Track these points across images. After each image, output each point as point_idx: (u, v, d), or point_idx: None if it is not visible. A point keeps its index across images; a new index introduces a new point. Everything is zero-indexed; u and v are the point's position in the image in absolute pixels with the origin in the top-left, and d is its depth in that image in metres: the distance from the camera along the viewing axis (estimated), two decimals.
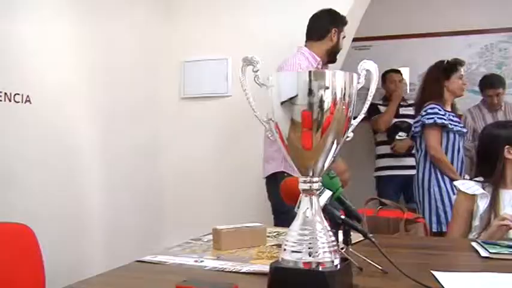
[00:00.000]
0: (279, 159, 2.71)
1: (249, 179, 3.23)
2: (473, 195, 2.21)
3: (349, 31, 3.33)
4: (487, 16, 4.66)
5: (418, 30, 4.76)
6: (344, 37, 2.99)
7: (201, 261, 1.46)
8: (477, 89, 4.52)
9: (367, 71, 1.10)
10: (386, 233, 2.27)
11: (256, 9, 3.24)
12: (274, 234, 1.86)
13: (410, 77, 4.81)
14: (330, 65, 3.04)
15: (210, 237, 1.73)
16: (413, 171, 4.27)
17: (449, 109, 3.47)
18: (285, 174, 2.41)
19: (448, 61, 3.63)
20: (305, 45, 2.93)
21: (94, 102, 3.08)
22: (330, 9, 2.97)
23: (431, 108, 3.40)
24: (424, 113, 3.41)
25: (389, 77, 4.54)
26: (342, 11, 3.11)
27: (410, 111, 4.40)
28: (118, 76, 3.18)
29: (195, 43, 3.39)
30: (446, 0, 4.75)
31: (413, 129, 3.58)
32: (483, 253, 1.59)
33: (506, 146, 2.23)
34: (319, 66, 2.84)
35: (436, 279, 1.26)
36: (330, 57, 2.98)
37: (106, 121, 3.12)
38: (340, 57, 3.25)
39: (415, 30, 4.76)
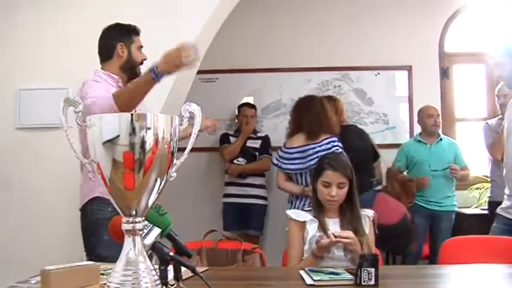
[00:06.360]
0: None
1: None
2: (303, 222, 2.35)
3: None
4: (323, 55, 5.03)
5: (262, 65, 5.00)
6: (141, 47, 2.71)
7: None
8: None
9: (191, 113, 1.14)
10: (225, 264, 2.31)
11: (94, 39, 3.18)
12: (110, 271, 1.81)
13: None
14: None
15: (39, 278, 1.64)
16: (252, 200, 4.43)
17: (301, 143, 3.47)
18: None
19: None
20: (101, 68, 2.70)
21: None
22: (115, 24, 2.69)
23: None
24: None
25: (242, 110, 4.69)
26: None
27: (257, 144, 4.61)
28: None
29: (32, 71, 3.22)
30: (287, 38, 5.05)
31: None
32: (308, 281, 1.70)
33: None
34: (120, 84, 2.63)
35: None
36: (128, 72, 2.67)
37: None
38: (183, 86, 3.28)
39: (260, 65, 4.99)
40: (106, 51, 2.67)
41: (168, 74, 2.23)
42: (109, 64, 2.66)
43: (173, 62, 2.19)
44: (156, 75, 2.20)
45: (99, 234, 2.39)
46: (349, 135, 3.85)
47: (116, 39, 2.65)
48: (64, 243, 3.07)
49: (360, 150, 3.76)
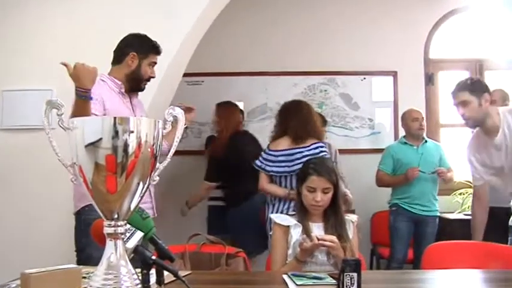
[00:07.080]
0: None
1: None
2: (287, 226, 2.36)
3: (178, 69, 3.38)
4: (310, 60, 5.06)
5: (248, 68, 5.00)
6: (154, 63, 2.70)
7: None
8: None
9: (174, 116, 1.13)
10: (209, 268, 2.30)
11: (80, 39, 3.16)
12: (91, 274, 1.80)
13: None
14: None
15: (19, 282, 1.62)
16: None
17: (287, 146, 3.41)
18: None
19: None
20: (110, 70, 2.70)
21: None
22: (141, 34, 2.69)
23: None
24: None
25: None
26: (172, 47, 3.15)
27: None
28: None
29: (16, 72, 3.19)
30: (274, 42, 5.06)
31: None
32: (291, 285, 1.70)
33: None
34: (122, 91, 2.63)
35: None
36: (132, 83, 2.67)
37: None
38: (169, 89, 3.26)
39: (246, 69, 4.99)
40: (118, 55, 2.67)
41: (81, 89, 2.23)
42: (116, 68, 2.66)
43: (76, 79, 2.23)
44: (78, 95, 2.23)
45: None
46: (243, 140, 3.91)
47: (132, 47, 2.65)
48: (55, 244, 3.03)
49: (252, 155, 3.65)
